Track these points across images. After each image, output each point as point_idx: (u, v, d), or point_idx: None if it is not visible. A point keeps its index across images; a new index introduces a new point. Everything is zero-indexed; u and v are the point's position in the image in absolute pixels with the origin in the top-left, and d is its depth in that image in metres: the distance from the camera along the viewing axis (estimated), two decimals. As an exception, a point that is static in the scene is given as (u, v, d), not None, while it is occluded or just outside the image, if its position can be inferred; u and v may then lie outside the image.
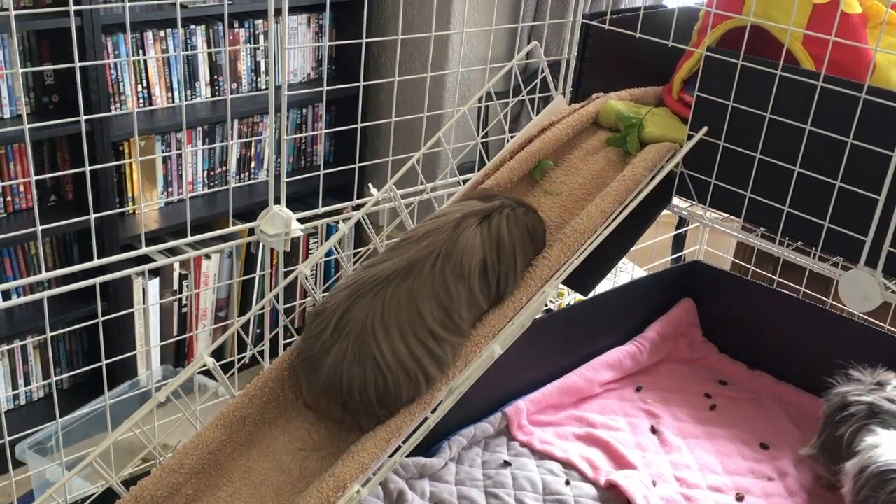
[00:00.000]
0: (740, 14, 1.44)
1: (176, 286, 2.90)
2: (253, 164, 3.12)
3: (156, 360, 2.93)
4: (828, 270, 1.36)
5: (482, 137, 2.05)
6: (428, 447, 1.60)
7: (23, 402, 2.78)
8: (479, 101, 1.50)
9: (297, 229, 1.38)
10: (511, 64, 1.51)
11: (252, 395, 1.22)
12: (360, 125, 1.55)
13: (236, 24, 2.95)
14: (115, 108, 2.67)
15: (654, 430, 1.75)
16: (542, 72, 1.52)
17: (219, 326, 3.00)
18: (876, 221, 1.26)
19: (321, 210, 1.53)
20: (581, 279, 1.42)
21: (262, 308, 1.27)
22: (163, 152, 2.85)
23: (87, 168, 1.40)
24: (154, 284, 2.82)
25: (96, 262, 1.49)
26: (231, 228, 1.60)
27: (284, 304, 3.06)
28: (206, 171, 3.00)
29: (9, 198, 2.59)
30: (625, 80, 1.59)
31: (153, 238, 2.85)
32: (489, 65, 1.60)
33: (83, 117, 1.37)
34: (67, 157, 2.65)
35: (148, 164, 2.83)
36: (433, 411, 1.20)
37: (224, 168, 3.02)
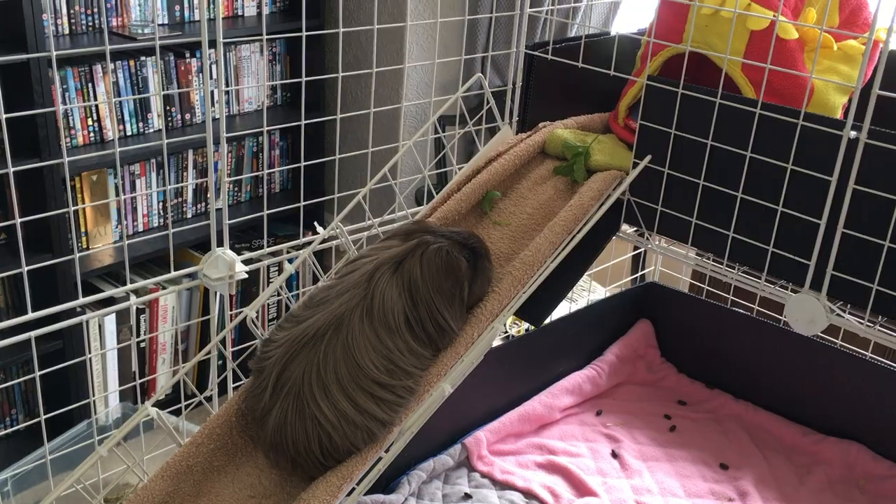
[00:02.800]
0: (680, 41, 1.45)
1: (133, 321, 2.86)
2: (210, 194, 3.09)
3: (114, 398, 2.89)
4: (777, 294, 1.37)
5: (437, 168, 2.05)
6: (387, 483, 1.58)
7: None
8: (425, 134, 1.49)
9: (241, 272, 1.36)
10: (455, 96, 1.51)
11: (199, 443, 1.20)
12: (303, 164, 1.54)
13: (188, 55, 2.92)
14: (67, 143, 2.64)
15: (614, 455, 1.75)
16: (487, 102, 1.52)
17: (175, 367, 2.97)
18: (818, 246, 1.27)
19: (267, 250, 1.51)
20: (532, 310, 1.41)
21: (208, 353, 1.25)
22: (115, 185, 2.82)
23: (17, 221, 1.38)
24: (111, 320, 2.78)
25: (52, 309, 1.45)
26: (174, 274, 1.53)
27: (241, 342, 3.03)
28: (160, 203, 2.97)
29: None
30: (571, 108, 1.60)
31: (108, 273, 2.81)
32: (433, 97, 1.59)
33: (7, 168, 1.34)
34: (17, 194, 2.60)
35: (100, 198, 2.79)
36: (386, 451, 1.18)
37: (180, 199, 2.99)
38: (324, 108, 3.15)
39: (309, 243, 1.40)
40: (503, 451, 1.72)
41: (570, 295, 2.45)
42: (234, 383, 1.50)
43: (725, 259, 1.38)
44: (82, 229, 2.75)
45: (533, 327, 1.90)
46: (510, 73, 1.66)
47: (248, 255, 1.42)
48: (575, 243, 1.37)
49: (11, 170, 1.36)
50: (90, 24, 2.72)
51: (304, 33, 1.59)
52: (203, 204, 3.06)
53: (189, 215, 3.07)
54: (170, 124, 2.92)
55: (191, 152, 3.00)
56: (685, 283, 2.23)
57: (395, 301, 1.18)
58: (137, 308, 2.83)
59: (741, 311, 1.89)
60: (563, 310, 2.06)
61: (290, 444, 1.16)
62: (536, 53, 1.53)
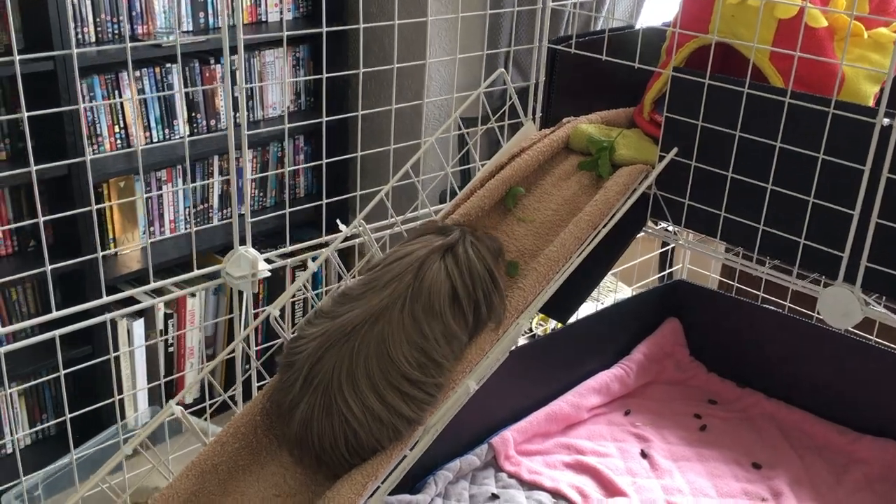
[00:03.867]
0: (706, 32, 1.43)
1: (161, 325, 2.88)
2: (232, 193, 3.10)
3: (143, 401, 2.90)
4: (809, 288, 1.34)
5: (460, 166, 2.04)
6: (413, 483, 1.57)
7: (9, 451, 2.74)
8: (447, 131, 1.48)
9: (264, 270, 1.36)
10: (478, 92, 1.49)
11: (224, 441, 1.19)
12: (324, 161, 1.53)
13: (212, 61, 2.94)
14: (94, 150, 2.66)
15: (644, 455, 1.72)
16: (510, 98, 1.51)
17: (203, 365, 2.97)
18: (851, 237, 1.24)
19: (289, 249, 1.50)
20: (558, 307, 1.39)
21: (232, 352, 1.24)
22: (144, 192, 2.84)
23: (40, 219, 1.38)
24: (139, 325, 2.79)
25: (76, 308, 1.45)
26: (196, 273, 1.53)
27: (265, 341, 3.02)
28: (186, 209, 2.98)
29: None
30: (594, 103, 1.58)
31: (137, 278, 2.82)
32: (456, 93, 1.58)
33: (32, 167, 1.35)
34: (45, 200, 2.63)
35: (128, 205, 2.81)
36: (411, 449, 1.17)
37: (206, 205, 3.00)
38: (347, 111, 3.15)
39: (331, 242, 1.39)
40: (530, 451, 1.70)
41: (595, 295, 2.42)
42: (258, 382, 1.50)
43: (755, 253, 1.35)
44: (110, 235, 2.77)
45: (560, 325, 1.88)
46: (533, 68, 1.64)
47: (270, 253, 1.41)
48: (600, 238, 1.35)
49: (34, 167, 1.37)
50: (115, 31, 2.74)
51: (325, 29, 1.58)
52: (229, 210, 3.07)
53: (215, 221, 3.08)
54: (195, 130, 2.93)
55: (216, 158, 3.01)
56: (714, 281, 2.20)
57: (443, 282, 1.19)
58: (165, 313, 2.85)
59: (772, 307, 1.86)
60: (588, 309, 2.04)
61: (315, 440, 1.15)
62: (560, 48, 1.51)
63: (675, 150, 1.39)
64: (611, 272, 2.58)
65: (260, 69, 3.07)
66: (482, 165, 1.49)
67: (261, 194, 3.20)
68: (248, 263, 1.34)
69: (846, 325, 1.28)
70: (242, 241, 1.39)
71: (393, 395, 1.15)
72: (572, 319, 2.19)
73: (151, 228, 2.89)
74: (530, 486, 1.62)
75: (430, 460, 1.59)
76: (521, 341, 2.02)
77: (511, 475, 1.64)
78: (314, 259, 1.27)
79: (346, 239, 1.35)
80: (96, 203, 2.67)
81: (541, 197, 1.47)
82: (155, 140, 2.86)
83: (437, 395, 1.19)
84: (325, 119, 1.50)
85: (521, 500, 1.57)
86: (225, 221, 3.09)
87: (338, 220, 1.39)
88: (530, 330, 2.14)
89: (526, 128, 1.52)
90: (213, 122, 2.97)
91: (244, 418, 1.21)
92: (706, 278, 2.17)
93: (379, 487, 1.15)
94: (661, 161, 1.41)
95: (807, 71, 1.37)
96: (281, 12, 3.08)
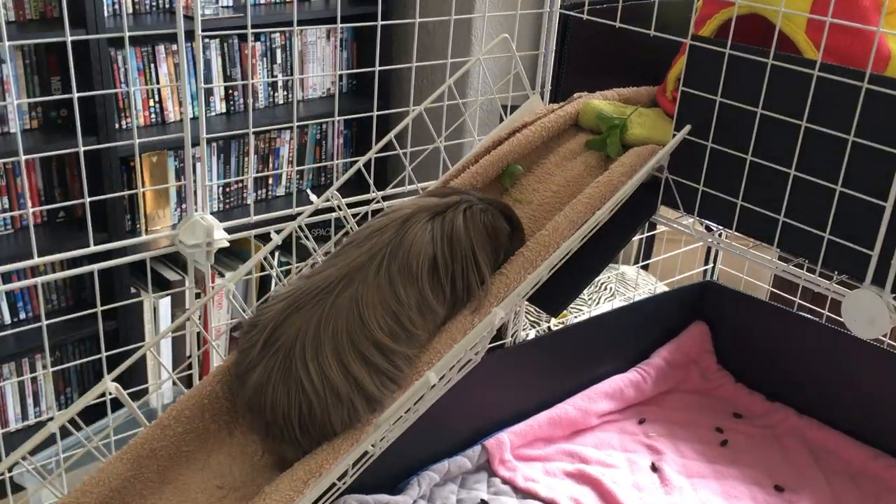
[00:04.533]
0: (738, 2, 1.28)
1: (188, 305, 2.82)
2: (271, 181, 3.04)
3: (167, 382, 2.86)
4: (833, 290, 1.18)
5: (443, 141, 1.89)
6: (394, 482, 1.46)
7: (31, 422, 2.73)
8: (440, 100, 1.36)
9: (221, 239, 1.26)
10: (476, 59, 1.37)
11: (165, 425, 1.10)
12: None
13: (252, 38, 2.87)
14: (126, 124, 2.62)
15: (654, 468, 1.57)
16: (515, 67, 1.38)
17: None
18: (883, 233, 1.08)
19: (253, 218, 1.40)
20: (550, 298, 1.26)
21: (177, 330, 1.15)
22: (175, 167, 2.80)
23: (87, 199, 1.31)
24: (165, 303, 2.75)
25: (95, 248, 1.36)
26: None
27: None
28: (220, 188, 2.93)
29: (15, 212, 2.56)
30: (612, 78, 1.44)
31: (167, 256, 2.78)
32: (450, 59, 1.44)
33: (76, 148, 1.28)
34: (76, 172, 2.61)
35: (161, 181, 2.77)
36: (373, 446, 1.05)
37: (240, 184, 2.94)
38: (390, 97, 3.05)
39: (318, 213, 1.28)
40: (529, 456, 1.57)
41: (622, 290, 2.26)
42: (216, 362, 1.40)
43: (774, 247, 1.19)
44: (141, 211, 2.73)
45: (558, 321, 1.74)
46: (542, 36, 1.51)
47: (231, 222, 1.31)
48: (600, 224, 1.21)
49: (81, 149, 1.32)
50: (153, 4, 2.70)
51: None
52: (264, 190, 3.01)
53: (249, 202, 3.02)
54: (231, 108, 2.88)
55: (252, 137, 2.95)
56: (750, 284, 2.01)
57: (425, 245, 1.10)
58: (195, 292, 2.79)
59: (809, 315, 1.69)
60: (606, 306, 1.90)
61: (268, 407, 1.05)
62: (572, 14, 1.37)
63: (688, 127, 1.24)
64: (643, 265, 2.42)
65: (301, 48, 3.00)
66: (479, 141, 1.36)
67: (297, 177, 3.13)
68: (203, 231, 1.25)
69: (872, 335, 1.11)
70: (198, 206, 1.29)
71: (358, 365, 1.05)
72: (586, 316, 2.05)
73: (184, 206, 2.84)
74: (524, 494, 1.49)
75: (416, 460, 1.47)
76: (530, 335, 1.88)
77: (505, 481, 1.52)
78: (278, 232, 1.17)
79: (320, 212, 1.25)
80: (126, 177, 2.63)
81: (542, 177, 1.34)
82: (190, 116, 2.81)
83: (406, 372, 1.09)
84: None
85: (513, 508, 1.44)
86: (260, 203, 3.04)
87: (308, 191, 1.29)
88: (535, 324, 2.00)
89: (531, 101, 1.39)
90: (250, 101, 2.90)
91: (190, 401, 1.12)
92: (741, 280, 1.99)
93: (336, 486, 1.04)
94: (673, 139, 1.27)
95: (847, 45, 1.21)
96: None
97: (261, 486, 1.09)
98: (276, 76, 2.96)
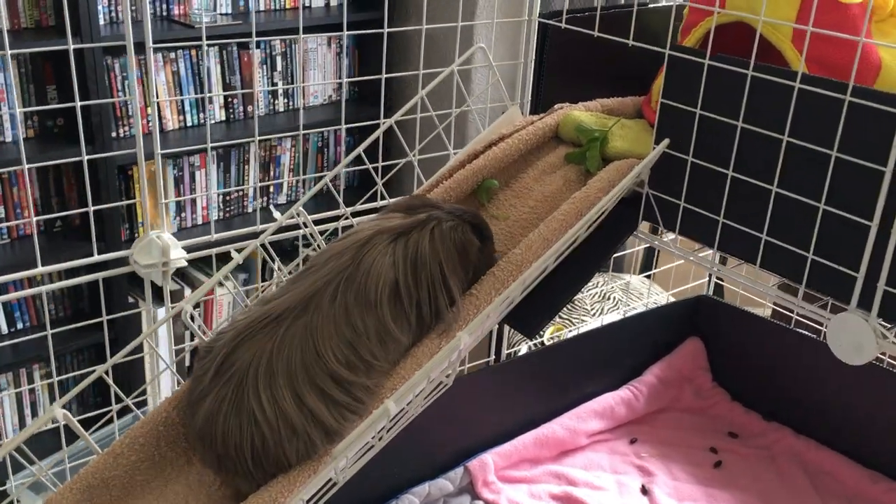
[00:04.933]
0: (724, 8, 1.22)
1: (144, 327, 2.79)
2: (272, 189, 3.01)
3: (167, 390, 2.84)
4: (816, 313, 1.12)
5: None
6: (372, 506, 1.41)
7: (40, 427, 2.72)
8: (412, 112, 1.32)
9: (178, 259, 1.22)
10: (450, 69, 1.32)
11: (118, 453, 1.06)
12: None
13: (251, 45, 2.85)
14: (123, 132, 2.61)
15: (644, 491, 1.52)
16: (491, 78, 1.33)
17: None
18: (868, 253, 1.02)
19: (214, 237, 1.36)
20: (526, 319, 1.21)
21: (134, 353, 1.12)
22: (174, 176, 2.78)
23: (90, 208, 1.28)
24: (163, 311, 2.73)
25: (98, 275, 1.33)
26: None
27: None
28: (220, 196, 2.90)
29: (12, 223, 2.55)
30: (595, 88, 1.39)
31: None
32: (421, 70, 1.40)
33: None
34: (73, 181, 2.59)
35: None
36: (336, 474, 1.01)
37: (241, 192, 2.92)
38: (392, 104, 3.01)
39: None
40: (514, 478, 1.52)
41: (626, 299, 2.21)
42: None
43: (757, 267, 1.14)
44: (139, 220, 2.71)
45: (541, 340, 1.69)
46: (521, 45, 1.46)
47: (190, 240, 1.28)
48: (577, 242, 1.16)
49: (85, 157, 1.30)
50: (152, 11, 2.68)
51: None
52: (265, 199, 2.98)
53: (249, 210, 3.00)
54: (231, 116, 2.86)
55: (252, 145, 2.92)
56: (760, 296, 1.95)
57: (384, 271, 1.03)
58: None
59: (808, 333, 1.62)
60: (597, 321, 1.84)
61: (219, 439, 1.00)
62: (551, 22, 1.32)
63: (666, 141, 1.19)
64: (647, 276, 2.37)
65: (302, 55, 2.97)
66: (456, 153, 1.32)
67: (300, 185, 3.10)
68: (159, 250, 1.21)
69: (859, 361, 1.05)
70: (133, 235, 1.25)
71: (314, 398, 1.00)
72: (573, 333, 2.00)
73: (183, 215, 2.82)
74: (508, 517, 1.44)
75: (395, 483, 1.43)
76: (522, 350, 1.84)
77: None
78: (239, 251, 1.13)
79: (283, 230, 1.20)
80: (124, 186, 2.62)
81: (519, 192, 1.29)
82: (189, 124, 2.79)
83: (367, 402, 1.03)
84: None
85: (495, 532, 1.40)
86: (263, 212, 3.01)
87: (272, 207, 1.25)
88: (531, 340, 1.95)
89: (509, 113, 1.34)
90: (249, 109, 2.89)
91: (143, 427, 1.08)
92: (744, 291, 1.93)
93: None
94: (651, 153, 1.21)
95: (835, 55, 1.15)
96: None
97: (219, 518, 1.05)
98: (277, 84, 2.94)
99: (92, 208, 1.25)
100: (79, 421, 1.04)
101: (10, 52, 1.25)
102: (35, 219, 2.49)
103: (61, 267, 1.39)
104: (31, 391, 2.71)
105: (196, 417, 1.02)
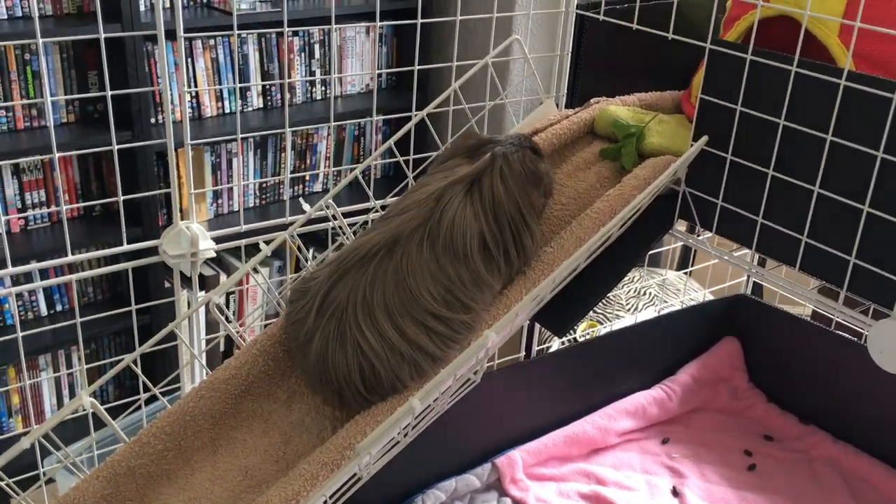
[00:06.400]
0: (768, 2, 1.18)
1: (223, 300, 2.82)
2: (308, 177, 3.01)
3: (200, 376, 2.86)
4: (858, 319, 1.08)
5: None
6: (398, 502, 1.40)
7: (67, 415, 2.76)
8: (444, 104, 1.30)
9: (207, 249, 1.22)
10: (484, 61, 1.30)
11: (144, 442, 1.07)
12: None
13: (289, 33, 2.84)
14: (162, 118, 2.62)
15: (675, 493, 1.49)
16: (527, 70, 1.30)
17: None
18: (913, 258, 0.99)
19: (243, 227, 1.36)
20: (556, 317, 1.19)
21: (164, 342, 1.12)
22: (212, 163, 2.79)
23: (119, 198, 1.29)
24: (201, 296, 2.74)
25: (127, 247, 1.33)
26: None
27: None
28: (257, 184, 2.91)
29: (53, 207, 2.58)
30: (634, 82, 1.36)
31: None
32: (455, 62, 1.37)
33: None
34: (113, 167, 2.62)
35: (197, 176, 2.77)
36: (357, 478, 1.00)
37: (277, 179, 2.92)
38: (428, 92, 2.99)
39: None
40: (543, 475, 1.51)
41: (666, 299, 2.17)
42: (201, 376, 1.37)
43: (797, 269, 1.11)
44: (176, 205, 2.73)
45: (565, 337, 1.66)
46: (558, 37, 1.43)
47: (221, 231, 1.27)
48: (609, 240, 1.14)
49: (115, 147, 1.30)
50: (190, -1, 2.69)
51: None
52: (301, 186, 2.99)
53: (285, 198, 3.00)
54: (269, 103, 2.86)
55: (289, 133, 2.93)
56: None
57: (469, 223, 1.05)
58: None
59: (849, 335, 1.58)
60: (647, 314, 1.80)
61: (332, 374, 1.03)
62: (589, 14, 1.30)
63: (704, 138, 1.16)
64: (685, 272, 2.32)
65: (340, 43, 2.96)
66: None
67: (335, 174, 3.10)
68: (188, 241, 1.21)
69: (901, 369, 1.02)
70: (184, 215, 1.25)
71: (415, 329, 1.02)
72: (606, 329, 1.97)
73: (220, 201, 2.84)
74: (535, 515, 1.42)
75: (421, 477, 1.42)
76: (554, 346, 1.81)
77: (516, 501, 1.45)
78: (268, 242, 1.12)
79: (313, 222, 1.20)
80: (163, 172, 2.63)
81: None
82: (227, 111, 2.80)
83: (466, 334, 1.05)
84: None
85: (522, 530, 1.38)
86: (297, 200, 3.02)
87: (301, 199, 1.24)
88: (563, 337, 1.92)
89: (544, 106, 1.32)
90: (288, 97, 2.88)
91: (171, 417, 1.08)
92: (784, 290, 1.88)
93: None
94: (689, 150, 1.18)
95: (884, 51, 1.11)
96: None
97: (242, 509, 1.05)
98: (315, 72, 2.93)
99: (122, 198, 1.25)
100: (111, 406, 1.04)
101: (41, 40, 1.25)
102: (66, 207, 2.52)
103: (91, 256, 1.40)
104: (70, 374, 2.75)
105: (308, 359, 1.05)
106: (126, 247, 1.31)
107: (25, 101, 2.43)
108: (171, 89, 2.61)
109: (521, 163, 1.09)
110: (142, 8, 2.47)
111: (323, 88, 2.98)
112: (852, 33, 1.07)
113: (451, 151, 1.14)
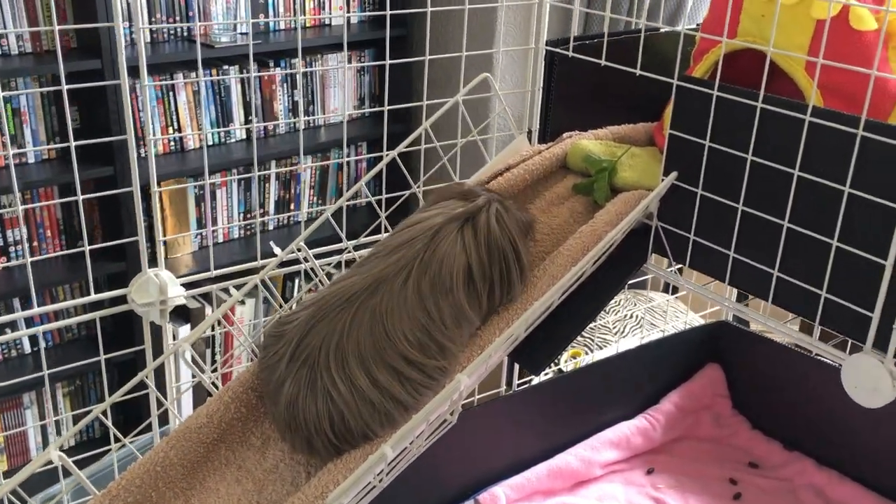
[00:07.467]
0: (734, 37, 1.19)
1: (209, 333, 2.81)
2: (292, 206, 3.01)
3: (188, 408, 2.85)
4: (832, 354, 1.08)
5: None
6: (379, 541, 1.39)
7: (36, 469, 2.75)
8: (416, 143, 1.30)
9: (177, 296, 1.21)
10: (454, 99, 1.30)
11: (114, 495, 1.05)
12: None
13: (271, 64, 2.85)
14: (144, 152, 2.62)
15: (660, 524, 1.48)
16: (498, 106, 1.30)
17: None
18: (884, 292, 0.98)
19: (213, 273, 1.35)
20: (532, 356, 1.19)
21: (129, 392, 1.10)
22: (195, 195, 2.79)
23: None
24: (185, 330, 2.74)
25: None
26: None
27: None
28: (241, 214, 2.91)
29: (35, 243, 2.57)
30: (605, 115, 1.36)
31: (186, 284, 2.76)
32: (425, 101, 1.38)
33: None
34: (95, 202, 2.61)
35: (180, 208, 2.77)
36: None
37: (262, 209, 2.92)
38: (410, 119, 3.00)
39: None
40: (527, 510, 1.49)
41: (653, 321, 2.17)
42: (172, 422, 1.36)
43: (769, 303, 1.10)
44: (160, 238, 2.72)
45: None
46: (529, 72, 1.43)
47: (190, 277, 1.26)
48: (582, 278, 1.14)
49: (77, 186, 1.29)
50: (172, 32, 2.70)
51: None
52: (285, 216, 2.99)
53: (270, 227, 3.00)
54: (252, 134, 2.86)
55: (273, 163, 2.93)
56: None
57: (456, 255, 1.06)
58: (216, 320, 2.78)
59: (831, 361, 1.57)
60: (631, 343, 1.80)
61: (301, 422, 1.03)
62: (557, 50, 1.30)
63: (674, 174, 1.16)
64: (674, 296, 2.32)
65: (322, 73, 2.97)
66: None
67: (319, 201, 3.10)
68: (157, 288, 1.20)
69: (876, 404, 1.01)
70: (154, 262, 1.24)
71: (387, 376, 1.02)
72: (612, 347, 1.96)
73: (203, 232, 2.83)
74: (519, 552, 1.41)
75: (402, 515, 1.40)
76: (535, 380, 1.81)
77: (499, 538, 1.44)
78: (238, 288, 1.11)
79: (286, 264, 1.19)
80: (145, 205, 2.63)
81: (526, 224, 1.27)
82: (210, 143, 2.80)
83: (440, 380, 1.05)
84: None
85: (505, 568, 1.37)
86: (281, 230, 3.01)
87: (271, 243, 1.24)
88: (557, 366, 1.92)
89: (517, 142, 1.32)
90: (270, 127, 2.89)
91: (141, 468, 1.07)
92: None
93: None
94: (659, 186, 1.18)
95: (850, 84, 1.11)
96: (347, 18, 2.96)
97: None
98: (297, 101, 2.93)
99: (87, 247, 1.24)
100: (95, 438, 1.03)
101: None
102: (30, 258, 2.50)
103: (59, 307, 1.39)
104: (55, 408, 2.73)
105: (278, 406, 1.04)
106: (93, 296, 1.30)
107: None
108: (152, 125, 2.62)
109: (514, 208, 1.13)
110: (122, 42, 2.47)
111: (306, 118, 2.99)
112: (822, 70, 1.07)
113: (442, 194, 1.15)
